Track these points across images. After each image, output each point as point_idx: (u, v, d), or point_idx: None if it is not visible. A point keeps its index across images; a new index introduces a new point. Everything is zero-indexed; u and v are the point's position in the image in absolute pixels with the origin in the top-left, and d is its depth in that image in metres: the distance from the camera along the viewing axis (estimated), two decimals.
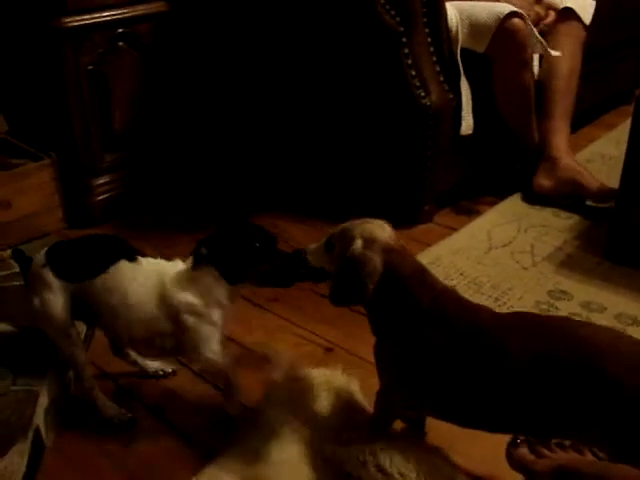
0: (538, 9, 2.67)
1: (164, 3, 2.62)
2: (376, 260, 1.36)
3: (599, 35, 2.96)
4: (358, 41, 2.45)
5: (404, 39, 2.33)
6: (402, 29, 2.32)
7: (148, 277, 1.57)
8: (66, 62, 2.40)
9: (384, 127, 2.52)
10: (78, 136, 2.51)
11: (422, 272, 1.40)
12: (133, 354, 1.80)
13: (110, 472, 1.55)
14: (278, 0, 2.63)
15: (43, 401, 1.59)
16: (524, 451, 1.26)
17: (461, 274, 2.26)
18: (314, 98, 2.71)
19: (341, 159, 2.72)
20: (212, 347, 1.57)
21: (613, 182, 2.35)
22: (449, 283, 2.19)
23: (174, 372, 1.85)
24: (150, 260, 1.62)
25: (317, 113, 2.72)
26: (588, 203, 2.64)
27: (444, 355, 1.33)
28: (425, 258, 2.34)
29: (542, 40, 2.55)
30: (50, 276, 1.56)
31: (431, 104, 2.38)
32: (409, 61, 2.35)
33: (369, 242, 1.38)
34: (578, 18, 2.76)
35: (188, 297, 1.54)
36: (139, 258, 1.59)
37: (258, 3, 2.70)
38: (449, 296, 1.39)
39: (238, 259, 1.53)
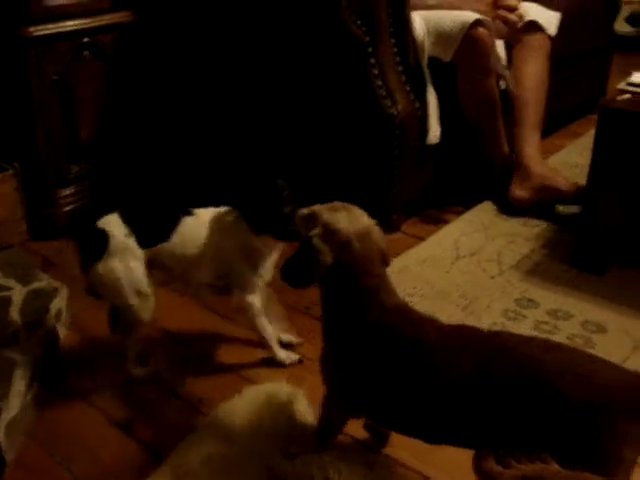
0: (501, 13, 2.68)
1: (129, 13, 2.60)
2: (326, 254, 1.33)
3: (565, 45, 2.99)
4: (324, 51, 2.45)
5: (370, 49, 2.34)
6: (368, 39, 2.32)
7: (207, 227, 1.74)
8: (31, 71, 2.38)
9: (351, 137, 2.52)
10: (42, 146, 2.48)
11: (378, 280, 1.37)
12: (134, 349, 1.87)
13: None
14: (244, 10, 2.63)
15: (5, 417, 1.57)
16: (491, 462, 1.25)
17: (428, 283, 2.26)
18: (281, 107, 2.70)
19: (308, 168, 2.71)
20: (250, 291, 1.77)
21: None
22: (417, 292, 2.20)
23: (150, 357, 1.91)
24: (204, 210, 1.78)
25: (284, 122, 2.72)
26: (560, 209, 2.65)
27: (384, 367, 1.33)
28: (393, 267, 2.32)
29: (502, 63, 2.59)
30: (134, 245, 1.70)
31: (397, 114, 2.38)
32: (375, 71, 2.36)
33: (329, 233, 1.35)
34: (543, 31, 2.78)
35: (231, 243, 1.73)
36: (195, 211, 1.76)
37: (223, 13, 2.70)
38: (398, 309, 1.37)
39: (261, 208, 1.69)
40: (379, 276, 1.37)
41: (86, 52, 2.51)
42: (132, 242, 1.70)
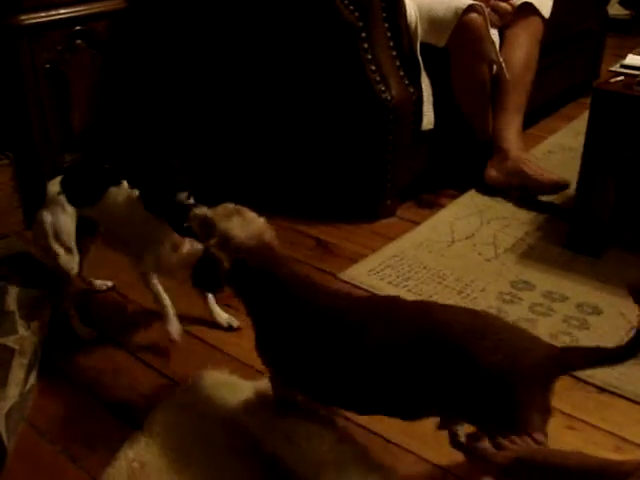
0: (492, 2, 2.68)
1: (122, 0, 2.59)
2: (225, 260, 1.44)
3: (558, 28, 2.98)
4: (318, 36, 2.45)
5: (363, 34, 2.33)
6: (361, 24, 2.32)
7: (125, 197, 1.88)
8: (23, 60, 2.36)
9: (345, 122, 2.52)
10: (37, 136, 2.47)
11: (278, 266, 1.47)
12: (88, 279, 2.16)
13: (73, 473, 1.54)
14: None
15: (4, 405, 1.57)
16: (484, 443, 1.26)
17: (424, 267, 2.26)
18: (275, 94, 2.70)
19: (303, 154, 2.72)
20: (149, 261, 1.87)
21: (573, 173, 2.37)
22: (413, 276, 2.21)
23: (114, 287, 2.20)
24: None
25: (278, 109, 2.72)
26: (540, 199, 2.66)
27: (302, 339, 1.43)
28: (388, 252, 2.35)
29: (496, 49, 2.59)
30: (64, 201, 1.90)
31: (391, 99, 2.38)
32: (369, 56, 2.35)
33: (225, 241, 1.46)
34: (537, 12, 2.78)
35: (141, 212, 1.82)
36: (122, 182, 1.90)
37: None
38: (304, 282, 1.47)
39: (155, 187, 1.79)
40: (282, 263, 1.48)
41: (79, 40, 2.49)
42: (63, 199, 1.90)
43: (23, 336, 1.76)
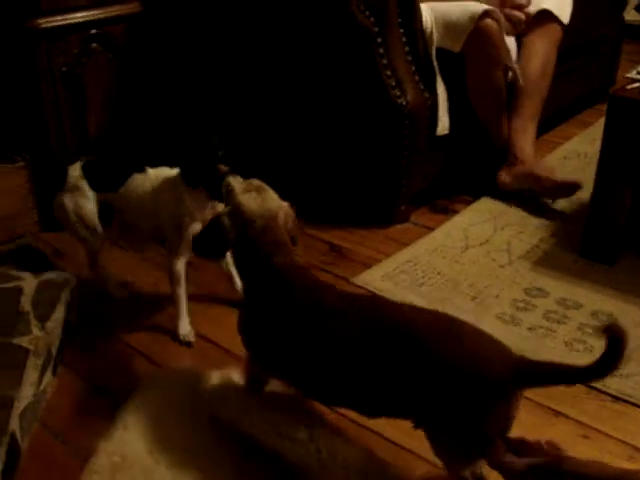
0: (506, 11, 2.67)
1: (137, 4, 2.61)
2: (230, 231, 1.48)
3: (574, 34, 2.97)
4: (333, 41, 2.45)
5: (379, 39, 2.33)
6: (377, 29, 2.32)
7: (151, 183, 1.93)
8: (40, 63, 2.38)
9: (360, 127, 2.52)
10: (53, 138, 2.49)
11: (282, 253, 1.48)
12: (102, 272, 2.17)
13: None
14: (253, 0, 2.63)
15: (18, 406, 1.58)
16: (501, 451, 1.26)
17: (438, 273, 2.26)
18: (291, 99, 2.70)
19: (317, 159, 2.72)
20: (175, 253, 1.92)
21: (588, 179, 2.36)
22: (426, 282, 2.20)
23: (126, 286, 2.22)
24: (154, 169, 1.97)
25: (294, 114, 2.72)
26: (548, 202, 2.66)
27: (279, 327, 1.46)
28: (402, 257, 2.34)
29: (511, 55, 2.58)
30: (86, 186, 1.97)
31: (407, 104, 2.38)
32: (384, 61, 2.36)
33: (236, 212, 1.50)
34: (556, 19, 2.77)
35: (166, 197, 1.90)
36: (147, 169, 1.96)
37: (232, 3, 2.70)
38: (300, 273, 1.48)
39: (194, 160, 1.83)
40: (283, 251, 1.49)
41: (95, 44, 2.51)
42: (83, 183, 1.97)
43: (37, 337, 1.77)
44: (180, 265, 1.94)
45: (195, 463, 1.53)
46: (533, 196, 2.67)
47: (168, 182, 1.92)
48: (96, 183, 1.98)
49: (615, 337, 1.14)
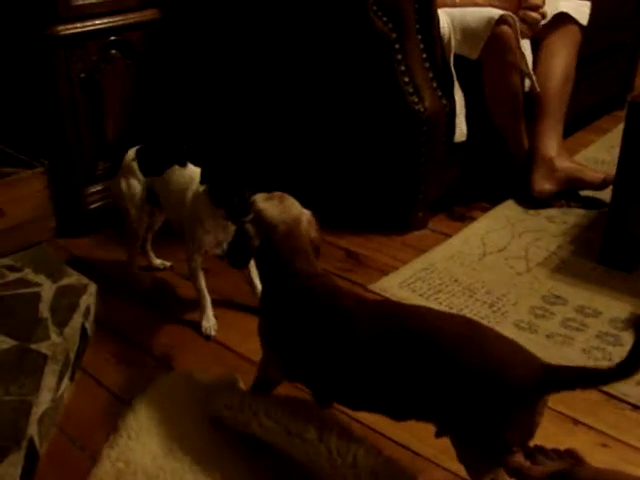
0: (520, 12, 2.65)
1: (156, 11, 2.61)
2: (254, 237, 1.51)
3: (593, 40, 2.96)
4: (351, 47, 2.45)
5: (397, 45, 2.33)
6: (395, 35, 2.32)
7: (187, 179, 2.02)
8: (59, 70, 2.39)
9: (378, 133, 2.52)
10: (71, 144, 2.50)
11: (301, 259, 1.51)
12: (149, 251, 2.37)
13: None
14: (272, 6, 2.64)
15: (37, 411, 1.58)
16: (520, 458, 1.25)
17: (455, 280, 2.25)
18: (309, 105, 2.71)
19: (335, 165, 2.72)
20: (193, 246, 2.01)
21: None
22: (443, 289, 2.20)
23: (172, 267, 2.38)
24: (193, 167, 2.05)
25: (311, 120, 2.72)
26: (584, 194, 2.66)
27: (305, 332, 1.47)
28: (419, 264, 2.34)
29: (526, 60, 2.57)
30: (137, 169, 2.12)
31: (424, 110, 2.38)
32: (402, 67, 2.35)
33: (258, 219, 1.53)
34: (574, 21, 2.76)
35: (194, 203, 1.97)
36: (188, 164, 2.05)
37: (252, 9, 2.71)
38: (321, 280, 1.51)
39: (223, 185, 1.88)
40: (303, 257, 1.51)
41: (113, 50, 2.52)
42: (135, 165, 2.11)
43: (55, 342, 1.77)
44: (194, 262, 2.02)
45: (200, 468, 1.53)
46: (568, 198, 2.70)
47: (196, 183, 1.99)
48: (144, 167, 2.11)
49: None
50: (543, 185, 2.69)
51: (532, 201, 2.72)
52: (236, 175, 1.87)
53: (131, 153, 2.15)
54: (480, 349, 1.26)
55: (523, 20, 2.62)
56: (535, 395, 1.22)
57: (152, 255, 2.38)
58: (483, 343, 1.27)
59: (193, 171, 2.03)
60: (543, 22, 2.68)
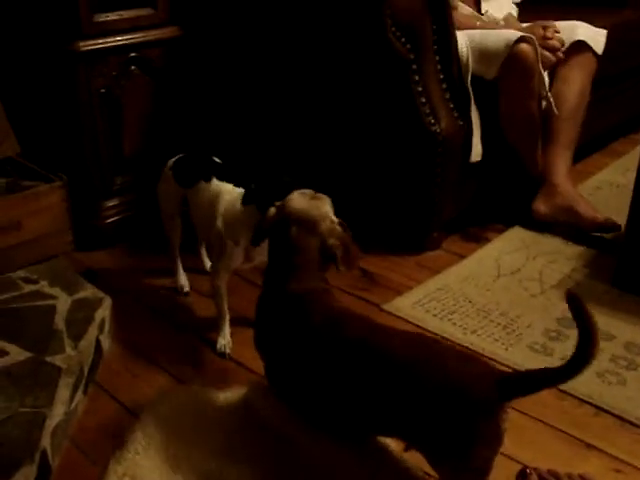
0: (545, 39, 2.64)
1: (176, 28, 2.63)
2: (268, 221, 1.58)
3: (608, 63, 2.96)
4: (369, 67, 2.47)
5: (414, 66, 2.35)
6: (412, 56, 2.34)
7: (213, 194, 2.02)
8: (79, 85, 2.42)
9: (393, 153, 2.53)
10: (89, 158, 2.53)
11: (307, 256, 1.53)
12: (203, 255, 2.41)
13: None
14: (290, 27, 2.66)
15: (50, 423, 1.59)
16: (534, 479, 1.25)
17: (469, 301, 2.25)
18: (325, 123, 2.72)
19: (350, 185, 2.72)
20: (220, 267, 2.00)
21: (621, 210, 2.35)
22: (457, 310, 2.19)
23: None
24: (217, 182, 2.05)
25: (328, 139, 2.73)
26: (595, 234, 2.63)
27: (277, 341, 1.53)
28: (433, 285, 2.34)
29: (545, 85, 2.57)
30: (173, 178, 2.17)
31: (441, 131, 2.39)
32: (419, 88, 2.37)
33: (282, 205, 1.59)
34: (590, 49, 2.77)
35: (223, 219, 1.97)
36: (213, 179, 2.05)
37: (270, 28, 2.73)
38: (306, 287, 1.52)
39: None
40: (306, 257, 1.53)
41: (133, 67, 2.55)
42: (171, 174, 2.17)
43: (70, 355, 1.78)
44: (219, 280, 2.01)
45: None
46: (567, 228, 2.65)
47: (227, 198, 1.99)
48: (179, 177, 2.15)
49: (588, 330, 1.19)
50: (539, 206, 2.69)
51: (534, 222, 2.71)
52: (276, 186, 1.85)
53: (170, 162, 2.21)
54: (434, 365, 1.28)
55: (546, 48, 2.61)
56: (494, 404, 1.24)
57: (206, 260, 2.40)
58: (436, 358, 1.30)
59: (219, 186, 2.03)
60: (563, 49, 2.67)
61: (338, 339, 1.41)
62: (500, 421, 1.24)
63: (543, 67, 2.52)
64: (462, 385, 1.24)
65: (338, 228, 1.56)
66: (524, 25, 2.69)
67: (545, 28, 2.59)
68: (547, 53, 2.57)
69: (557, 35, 2.63)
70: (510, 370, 1.82)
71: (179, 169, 2.17)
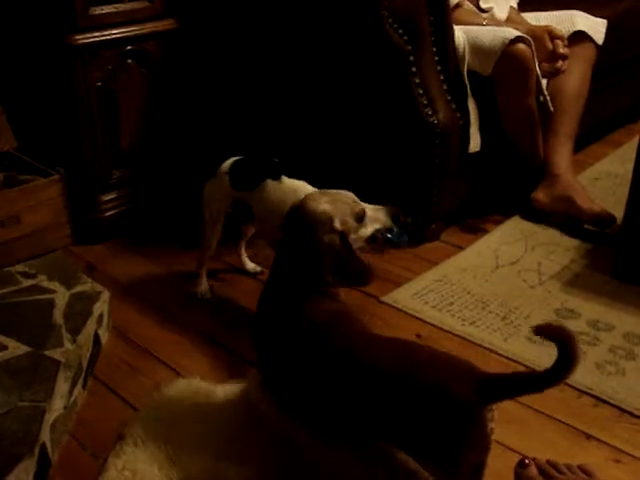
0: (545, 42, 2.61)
1: (173, 21, 2.63)
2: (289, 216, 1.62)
3: (607, 53, 2.96)
4: (366, 59, 2.46)
5: (412, 58, 2.34)
6: (410, 48, 2.33)
7: (284, 193, 2.02)
8: (76, 78, 2.41)
9: (391, 145, 2.53)
10: (86, 152, 2.52)
11: (311, 257, 1.55)
12: (243, 255, 2.40)
13: None
14: (287, 19, 2.65)
15: (49, 417, 1.59)
16: (533, 472, 1.25)
17: (468, 292, 2.25)
18: (322, 116, 2.72)
19: (348, 176, 2.71)
20: None
21: (619, 200, 2.34)
22: (456, 301, 2.19)
23: (262, 272, 2.37)
24: (289, 180, 2.07)
25: (324, 131, 2.73)
26: (587, 227, 2.63)
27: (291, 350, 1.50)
28: (432, 276, 2.34)
29: (541, 82, 2.55)
30: (227, 181, 2.13)
31: (438, 122, 2.38)
32: (416, 80, 2.36)
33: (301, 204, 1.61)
34: (590, 40, 2.76)
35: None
36: (282, 177, 2.06)
37: (267, 21, 2.72)
38: (301, 287, 1.54)
39: None
40: (311, 258, 1.55)
41: (130, 60, 2.54)
42: (226, 178, 2.12)
43: (69, 349, 1.79)
44: None
45: (207, 478, 1.53)
46: (565, 218, 2.65)
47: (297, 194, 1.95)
48: (237, 180, 2.12)
49: (564, 341, 1.16)
50: (539, 195, 2.68)
51: (534, 211, 2.72)
52: (267, 168, 1.97)
53: (226, 165, 2.16)
54: (416, 372, 1.28)
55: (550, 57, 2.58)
56: (474, 407, 1.23)
57: (246, 260, 2.40)
58: (418, 366, 1.30)
59: (291, 184, 2.05)
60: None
61: (324, 347, 1.43)
62: (485, 423, 1.23)
63: (546, 76, 2.51)
64: (441, 391, 1.23)
65: (335, 237, 1.56)
66: (528, 26, 2.64)
67: (553, 40, 2.55)
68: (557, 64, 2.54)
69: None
70: (506, 362, 1.84)
71: (237, 172, 2.13)
